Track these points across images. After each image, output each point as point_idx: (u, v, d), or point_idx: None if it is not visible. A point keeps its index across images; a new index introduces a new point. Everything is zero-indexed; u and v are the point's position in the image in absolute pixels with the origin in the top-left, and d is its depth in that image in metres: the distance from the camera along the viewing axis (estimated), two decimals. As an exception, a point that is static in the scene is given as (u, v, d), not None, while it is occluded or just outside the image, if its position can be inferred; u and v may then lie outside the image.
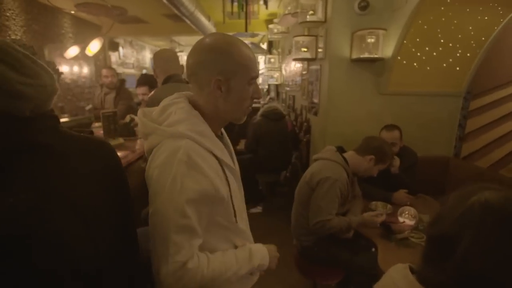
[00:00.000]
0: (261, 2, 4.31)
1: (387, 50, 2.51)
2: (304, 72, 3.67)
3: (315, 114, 3.15)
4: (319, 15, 2.74)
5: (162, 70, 1.90)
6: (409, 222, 1.72)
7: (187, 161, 0.75)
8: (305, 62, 3.46)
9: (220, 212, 0.85)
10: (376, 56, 2.44)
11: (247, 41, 5.32)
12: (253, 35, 5.02)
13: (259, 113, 3.43)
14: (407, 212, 1.78)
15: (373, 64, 2.62)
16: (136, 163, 2.07)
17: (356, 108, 2.75)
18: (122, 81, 3.64)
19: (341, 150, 1.87)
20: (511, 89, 2.33)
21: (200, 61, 0.82)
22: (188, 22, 4.63)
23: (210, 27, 5.39)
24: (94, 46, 4.19)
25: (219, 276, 0.82)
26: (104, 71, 3.54)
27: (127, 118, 2.62)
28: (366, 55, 2.45)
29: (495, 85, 2.45)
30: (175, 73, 1.88)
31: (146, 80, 3.23)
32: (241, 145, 3.71)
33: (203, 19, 4.82)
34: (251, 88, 0.86)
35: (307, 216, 1.77)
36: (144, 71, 8.31)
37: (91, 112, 3.64)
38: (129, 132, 2.54)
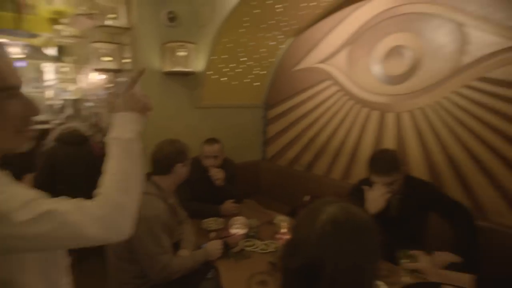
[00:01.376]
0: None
1: (198, 64, 2.54)
2: (109, 85, 3.17)
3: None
4: (123, 21, 2.41)
5: None
6: (241, 231, 1.74)
7: None
8: (111, 74, 2.98)
9: None
10: (189, 70, 2.41)
11: (21, 42, 4.07)
12: (32, 36, 3.90)
13: (52, 137, 2.63)
14: (237, 222, 1.80)
15: (186, 77, 2.58)
16: None
17: (173, 123, 2.62)
18: None
19: (151, 175, 1.60)
20: (291, 103, 2.92)
21: None
22: None
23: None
24: None
25: None
26: None
27: None
28: (179, 68, 2.36)
29: (281, 99, 3.00)
30: None
31: None
32: (29, 181, 2.72)
33: None
34: (14, 104, 0.63)
35: (130, 270, 1.44)
36: None
37: None
38: None
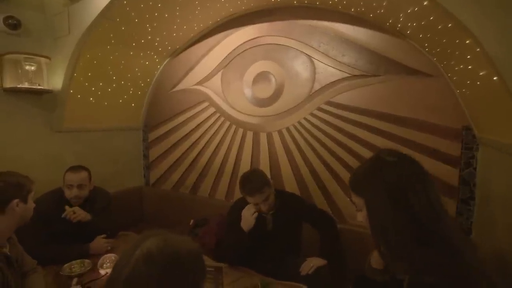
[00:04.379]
0: None
1: (55, 82, 2.19)
2: None
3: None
4: None
5: None
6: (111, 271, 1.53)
7: None
8: None
9: None
10: (41, 87, 2.04)
11: None
12: None
13: None
14: (108, 261, 1.58)
15: (40, 97, 2.18)
16: None
17: (24, 150, 2.16)
18: None
19: None
20: (171, 124, 2.84)
21: None
22: None
23: None
24: None
25: None
26: None
27: None
28: (26, 85, 1.98)
29: (161, 120, 2.88)
30: None
31: None
32: None
33: None
34: None
35: None
36: None
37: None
38: None
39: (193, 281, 0.61)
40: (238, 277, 1.49)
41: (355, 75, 1.98)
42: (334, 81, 2.06)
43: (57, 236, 1.76)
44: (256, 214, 1.61)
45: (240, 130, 2.47)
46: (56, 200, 1.82)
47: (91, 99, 2.45)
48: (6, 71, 1.96)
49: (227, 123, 2.53)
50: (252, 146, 2.42)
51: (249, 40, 2.36)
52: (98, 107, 2.53)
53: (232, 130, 2.51)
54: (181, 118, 2.78)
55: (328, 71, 2.08)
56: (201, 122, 2.66)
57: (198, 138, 2.68)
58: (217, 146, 2.59)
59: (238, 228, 1.60)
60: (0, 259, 1.21)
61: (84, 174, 1.90)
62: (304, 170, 2.21)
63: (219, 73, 2.54)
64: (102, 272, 1.53)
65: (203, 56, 2.61)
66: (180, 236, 0.64)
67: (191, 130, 2.72)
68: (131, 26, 2.18)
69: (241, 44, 2.40)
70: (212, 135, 2.61)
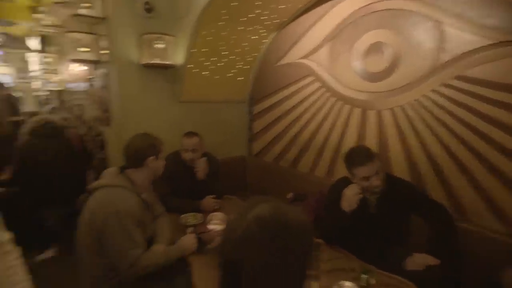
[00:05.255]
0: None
1: (178, 57, 2.48)
2: (90, 77, 3.09)
3: (108, 125, 2.70)
4: (98, 11, 2.33)
5: None
6: (218, 227, 1.72)
7: None
8: (91, 65, 2.91)
9: None
10: (167, 62, 2.35)
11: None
12: (8, 24, 3.76)
13: (26, 130, 2.54)
14: (215, 218, 1.78)
15: (166, 71, 2.52)
16: None
17: (154, 117, 2.57)
18: None
19: (124, 169, 1.56)
20: (275, 98, 2.89)
21: None
22: None
23: None
24: None
25: None
26: None
27: None
28: (157, 60, 2.30)
29: (266, 94, 2.96)
30: None
31: None
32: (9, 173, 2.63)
33: None
34: None
35: (100, 264, 1.41)
36: None
37: None
38: None
39: (302, 252, 0.62)
40: (335, 257, 1.46)
41: (501, 42, 1.56)
42: (470, 51, 1.67)
43: (176, 190, 2.08)
44: (360, 194, 1.51)
45: (346, 107, 2.32)
46: (176, 160, 2.13)
47: (205, 73, 2.69)
48: (144, 49, 2.32)
49: (332, 99, 2.40)
50: (359, 124, 2.25)
51: (363, 7, 2.12)
52: (210, 80, 2.76)
53: (337, 106, 2.38)
54: (285, 92, 2.79)
55: (462, 38, 1.69)
56: (305, 97, 2.61)
57: (302, 113, 2.65)
58: (320, 122, 2.51)
59: (338, 208, 1.54)
60: (141, 202, 1.51)
61: (196, 139, 2.15)
62: (420, 156, 1.93)
63: (326, 45, 2.40)
64: (211, 227, 1.73)
65: (310, 27, 2.50)
66: (291, 206, 0.65)
67: (295, 105, 2.70)
68: (241, 1, 2.23)
69: (352, 12, 2.18)
70: (316, 110, 2.53)
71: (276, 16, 2.55)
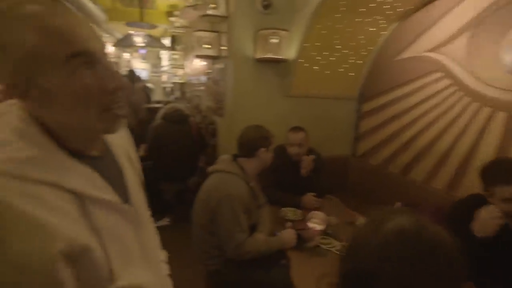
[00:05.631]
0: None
1: (290, 52, 2.50)
2: (208, 71, 3.44)
3: (221, 115, 2.96)
4: (222, 10, 2.55)
5: None
6: (318, 227, 1.67)
7: None
8: (210, 60, 3.23)
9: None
10: (280, 57, 2.40)
11: (143, 33, 4.75)
12: (151, 27, 4.51)
13: (160, 115, 3.03)
14: (315, 217, 1.73)
15: (277, 65, 2.58)
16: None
17: (263, 110, 2.67)
18: None
19: (236, 157, 1.69)
20: (391, 96, 2.60)
21: None
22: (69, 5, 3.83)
23: (97, 12, 4.59)
24: None
25: None
26: None
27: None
28: (270, 55, 2.37)
29: (380, 91, 2.71)
30: None
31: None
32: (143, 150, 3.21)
33: (87, 2, 4.06)
34: (86, 74, 0.51)
35: (210, 240, 1.56)
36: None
37: None
38: None
39: (451, 278, 0.53)
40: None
41: None
42: None
43: (278, 183, 2.12)
44: (501, 219, 1.23)
45: (486, 110, 1.90)
46: (282, 154, 2.17)
47: (316, 67, 2.63)
48: (258, 44, 2.42)
49: (466, 99, 2.01)
50: (502, 132, 1.83)
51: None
52: (320, 75, 2.69)
53: (471, 108, 1.99)
54: (403, 90, 2.49)
55: None
56: (428, 96, 2.27)
57: (422, 114, 2.32)
58: (446, 126, 2.15)
59: (466, 230, 1.29)
60: (249, 190, 1.61)
61: (302, 134, 2.15)
62: None
63: (464, 35, 2.01)
64: (310, 225, 1.69)
65: (443, 15, 2.14)
66: (435, 224, 0.57)
67: (414, 105, 2.39)
68: (362, -11, 2.08)
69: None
70: (442, 112, 2.17)
71: (400, 4, 2.28)
